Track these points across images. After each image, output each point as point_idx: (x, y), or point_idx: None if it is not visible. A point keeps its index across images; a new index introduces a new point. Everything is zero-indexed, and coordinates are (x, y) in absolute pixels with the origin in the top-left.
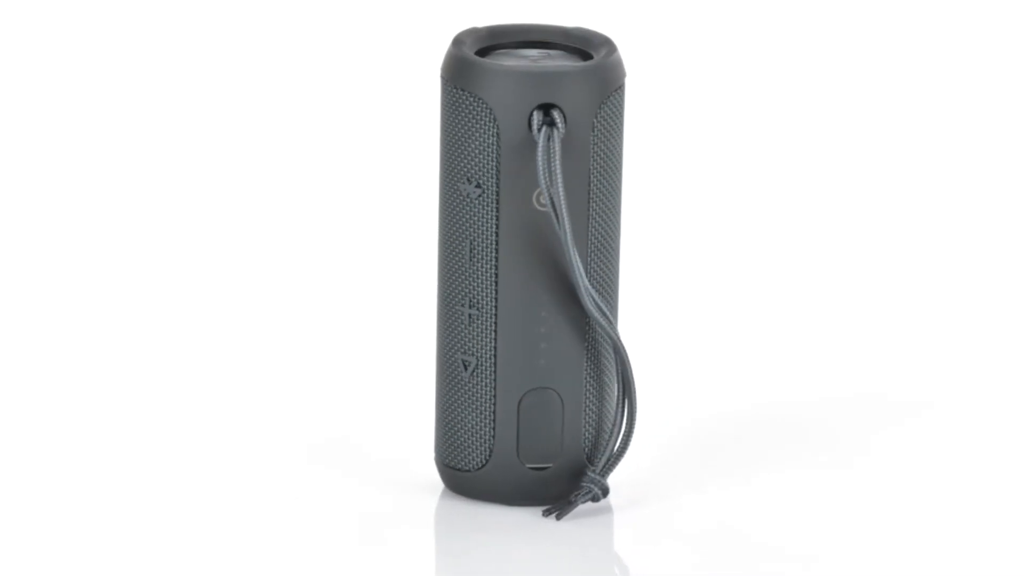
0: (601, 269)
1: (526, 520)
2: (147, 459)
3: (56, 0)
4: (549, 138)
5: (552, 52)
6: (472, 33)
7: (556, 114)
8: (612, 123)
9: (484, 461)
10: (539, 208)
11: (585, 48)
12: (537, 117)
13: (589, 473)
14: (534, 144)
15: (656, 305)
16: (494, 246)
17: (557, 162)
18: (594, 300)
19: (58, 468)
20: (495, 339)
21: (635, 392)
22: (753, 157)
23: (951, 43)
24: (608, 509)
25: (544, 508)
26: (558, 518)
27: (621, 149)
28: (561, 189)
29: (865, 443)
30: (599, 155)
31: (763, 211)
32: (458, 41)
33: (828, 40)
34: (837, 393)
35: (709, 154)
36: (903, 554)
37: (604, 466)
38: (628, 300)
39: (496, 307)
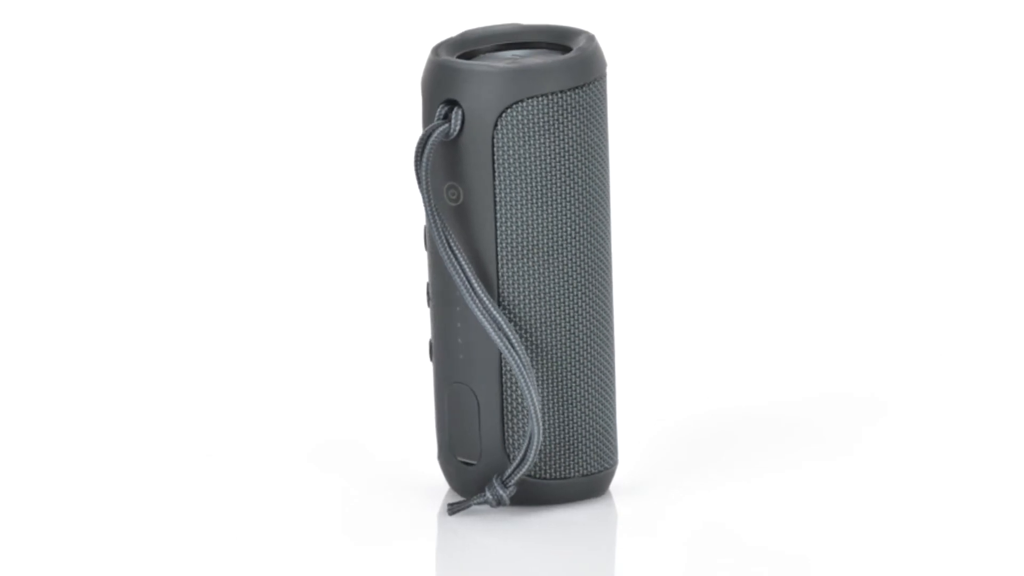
0: (524, 276)
1: (526, 520)
2: (149, 460)
3: (47, 1)
4: (430, 133)
5: (550, 51)
6: (474, 32)
7: (455, 112)
8: (541, 124)
9: (437, 448)
10: (449, 203)
11: (571, 47)
12: (439, 112)
13: (493, 479)
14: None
15: (654, 305)
16: (428, 237)
17: (423, 160)
18: (483, 304)
19: (60, 468)
20: (433, 329)
21: (536, 407)
22: (751, 158)
23: (934, 33)
24: (608, 508)
25: (449, 503)
26: (450, 513)
27: (569, 148)
28: (428, 187)
29: (865, 442)
30: (511, 155)
31: (759, 212)
32: (456, 38)
33: (812, 36)
34: (836, 392)
35: (705, 154)
36: (901, 553)
37: (508, 476)
38: (626, 300)
39: (433, 297)
